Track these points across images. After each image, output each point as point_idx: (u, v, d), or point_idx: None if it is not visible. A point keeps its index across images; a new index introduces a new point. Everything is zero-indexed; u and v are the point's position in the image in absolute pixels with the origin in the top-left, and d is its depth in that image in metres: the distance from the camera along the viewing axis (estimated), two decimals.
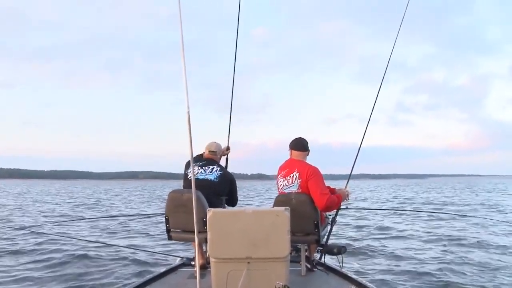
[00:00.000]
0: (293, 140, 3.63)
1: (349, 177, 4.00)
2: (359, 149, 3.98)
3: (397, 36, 4.11)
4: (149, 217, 11.08)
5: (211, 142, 3.91)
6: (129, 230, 9.97)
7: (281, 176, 3.58)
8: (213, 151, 3.84)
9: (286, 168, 3.56)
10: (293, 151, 3.61)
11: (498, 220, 9.74)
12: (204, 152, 3.90)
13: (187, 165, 3.82)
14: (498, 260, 6.12)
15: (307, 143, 3.65)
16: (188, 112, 1.89)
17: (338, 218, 3.83)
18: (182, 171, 3.90)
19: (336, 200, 3.42)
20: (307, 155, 3.63)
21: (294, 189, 3.42)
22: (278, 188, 3.61)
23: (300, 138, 3.65)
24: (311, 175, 3.36)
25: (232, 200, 3.87)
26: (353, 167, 4.02)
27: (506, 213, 13.99)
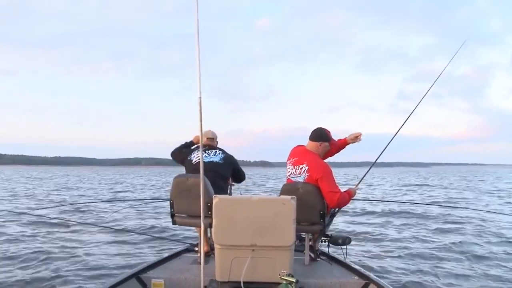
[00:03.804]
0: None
1: (364, 174, 4.13)
2: (389, 142, 4.06)
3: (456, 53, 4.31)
4: (155, 201, 11.16)
5: (207, 130, 4.03)
6: (133, 215, 10.03)
7: (290, 162, 3.53)
8: (211, 138, 3.97)
9: (296, 156, 3.50)
10: (308, 140, 3.55)
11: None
12: None
13: (190, 151, 3.91)
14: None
15: (325, 133, 3.52)
16: (200, 97, 1.88)
17: (342, 210, 3.85)
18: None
19: (347, 197, 3.40)
20: (323, 146, 3.51)
21: (300, 179, 3.39)
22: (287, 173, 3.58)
23: (320, 128, 3.54)
24: (322, 173, 3.29)
25: (239, 177, 4.02)
26: (371, 165, 4.12)
27: None
